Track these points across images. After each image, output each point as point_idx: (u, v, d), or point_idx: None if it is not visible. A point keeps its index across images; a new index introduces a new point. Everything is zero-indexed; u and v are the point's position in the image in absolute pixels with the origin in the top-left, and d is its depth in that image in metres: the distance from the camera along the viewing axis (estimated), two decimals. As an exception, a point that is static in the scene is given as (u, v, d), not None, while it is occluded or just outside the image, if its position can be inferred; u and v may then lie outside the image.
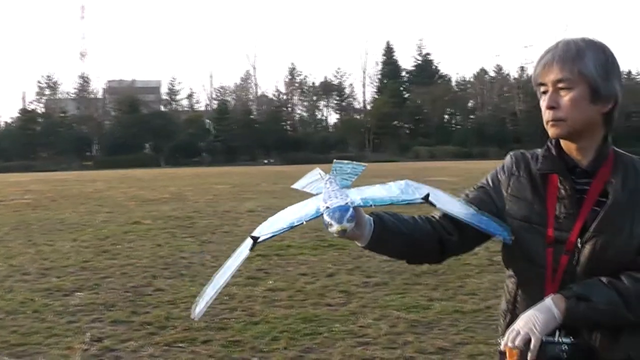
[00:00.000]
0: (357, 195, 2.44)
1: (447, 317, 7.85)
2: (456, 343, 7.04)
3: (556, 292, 2.55)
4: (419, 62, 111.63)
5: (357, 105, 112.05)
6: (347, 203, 2.34)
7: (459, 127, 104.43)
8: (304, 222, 2.42)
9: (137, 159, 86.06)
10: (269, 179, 37.56)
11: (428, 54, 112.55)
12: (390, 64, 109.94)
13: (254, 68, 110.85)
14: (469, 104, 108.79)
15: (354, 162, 2.80)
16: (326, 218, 2.31)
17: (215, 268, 9.31)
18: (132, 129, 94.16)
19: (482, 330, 7.41)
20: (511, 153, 2.83)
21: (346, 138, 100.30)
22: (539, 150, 2.75)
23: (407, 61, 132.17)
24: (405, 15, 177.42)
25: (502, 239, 2.63)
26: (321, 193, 2.53)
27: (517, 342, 2.45)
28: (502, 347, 2.53)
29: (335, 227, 2.29)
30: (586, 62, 2.51)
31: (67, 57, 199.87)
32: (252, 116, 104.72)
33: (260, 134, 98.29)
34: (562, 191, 2.61)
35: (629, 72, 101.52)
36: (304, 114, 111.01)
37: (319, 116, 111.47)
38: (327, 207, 2.33)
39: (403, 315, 7.90)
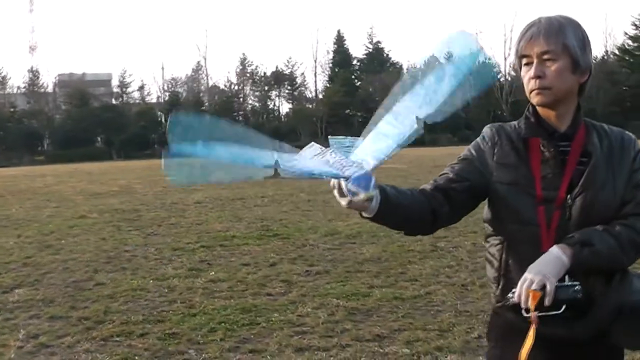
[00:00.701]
0: (368, 157, 2.50)
1: (387, 304, 7.84)
2: (394, 330, 7.03)
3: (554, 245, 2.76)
4: (370, 50, 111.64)
5: (309, 94, 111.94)
6: (367, 172, 2.41)
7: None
8: (324, 178, 2.45)
9: (89, 153, 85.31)
10: (219, 170, 37.42)
11: (379, 42, 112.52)
12: (341, 53, 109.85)
13: (205, 59, 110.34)
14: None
15: (350, 137, 2.82)
16: (352, 187, 2.38)
17: (158, 260, 9.22)
18: (83, 123, 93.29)
19: (420, 316, 7.41)
20: (489, 125, 3.06)
21: (298, 127, 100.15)
22: (514, 122, 2.99)
23: (358, 49, 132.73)
24: (356, 3, 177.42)
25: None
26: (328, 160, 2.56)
27: (534, 287, 2.63)
28: (516, 298, 2.69)
29: (362, 195, 2.38)
30: (568, 36, 2.77)
31: (16, 51, 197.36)
32: (204, 107, 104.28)
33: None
34: (546, 153, 2.84)
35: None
36: (256, 104, 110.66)
37: (271, 106, 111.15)
38: (348, 177, 2.39)
39: (342, 304, 7.88)
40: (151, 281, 9.24)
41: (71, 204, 20.87)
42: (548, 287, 2.63)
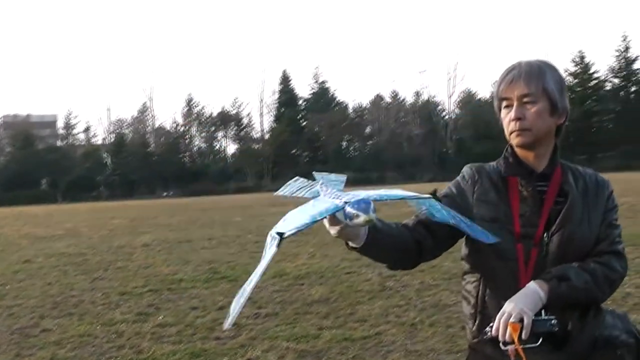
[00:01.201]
0: (363, 194, 2.50)
1: (336, 345, 7.81)
2: (344, 371, 7.03)
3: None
4: (316, 89, 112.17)
5: (256, 134, 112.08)
6: (366, 196, 2.44)
7: (357, 153, 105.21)
8: (326, 217, 2.50)
9: (34, 195, 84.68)
10: (166, 211, 37.30)
11: (324, 81, 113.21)
12: (287, 93, 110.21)
13: (151, 100, 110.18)
14: (367, 130, 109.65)
15: (334, 173, 2.97)
16: (351, 210, 2.39)
17: (105, 305, 9.16)
18: (27, 165, 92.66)
19: (370, 357, 7.39)
20: (468, 165, 3.17)
21: (245, 168, 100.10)
22: (492, 163, 3.11)
23: (303, 89, 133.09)
24: (301, 43, 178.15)
25: (488, 242, 2.85)
26: (320, 195, 2.66)
27: (512, 320, 2.72)
28: (493, 332, 2.78)
29: (362, 218, 2.38)
30: (548, 79, 2.90)
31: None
32: (149, 149, 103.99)
33: (158, 166, 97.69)
34: (524, 192, 2.96)
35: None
36: (203, 145, 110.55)
37: (218, 147, 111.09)
38: (347, 202, 2.42)
39: (292, 346, 7.83)
40: (99, 326, 9.13)
41: (16, 248, 20.63)
42: (526, 320, 2.72)
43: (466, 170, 3.15)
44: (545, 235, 2.91)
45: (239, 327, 8.74)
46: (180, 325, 9.04)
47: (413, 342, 7.71)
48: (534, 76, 2.88)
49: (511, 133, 2.94)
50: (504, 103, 2.95)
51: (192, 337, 8.47)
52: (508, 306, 2.78)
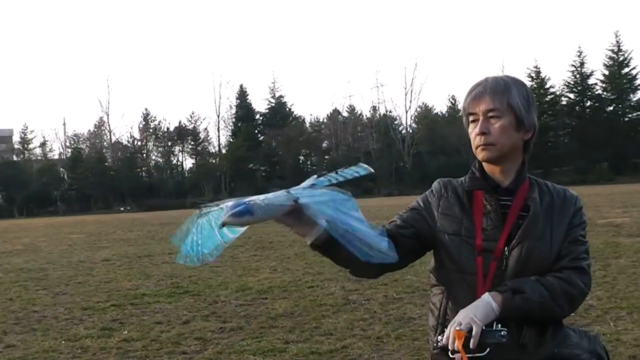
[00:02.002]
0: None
1: (304, 359, 7.81)
2: (312, 385, 7.05)
3: None
4: (273, 104, 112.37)
5: (213, 149, 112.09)
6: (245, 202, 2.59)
7: (314, 167, 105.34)
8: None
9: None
10: (124, 226, 37.09)
11: (282, 96, 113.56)
12: (244, 107, 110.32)
13: (107, 114, 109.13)
14: (324, 145, 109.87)
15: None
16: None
17: (69, 320, 9.07)
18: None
19: (338, 370, 7.43)
20: (438, 180, 3.24)
21: (202, 182, 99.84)
22: (461, 178, 3.17)
23: (260, 104, 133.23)
24: (258, 58, 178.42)
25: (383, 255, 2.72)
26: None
27: (459, 328, 2.75)
28: (444, 340, 2.82)
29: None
30: (513, 95, 2.94)
31: None
32: (106, 163, 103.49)
33: (115, 181, 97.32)
34: (488, 206, 3.02)
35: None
36: (160, 159, 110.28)
37: (175, 161, 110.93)
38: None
39: (259, 360, 7.87)
40: (63, 342, 9.06)
41: (-27, 264, 20.38)
42: (475, 329, 2.75)
43: (435, 184, 3.22)
44: (505, 249, 2.95)
45: (204, 342, 8.73)
46: (146, 339, 9.00)
47: (380, 356, 7.74)
48: (498, 92, 2.93)
49: (477, 147, 2.99)
50: (471, 118, 3.01)
51: (158, 351, 8.43)
52: (459, 315, 2.84)
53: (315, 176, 2.90)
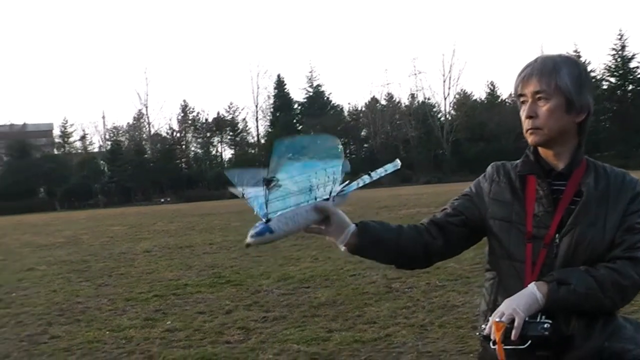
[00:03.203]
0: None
1: (347, 347, 7.80)
2: (357, 373, 7.02)
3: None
4: (310, 93, 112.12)
5: (251, 139, 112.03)
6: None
7: (353, 156, 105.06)
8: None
9: (32, 204, 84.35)
10: (164, 218, 37.22)
11: (319, 85, 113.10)
12: (281, 97, 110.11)
13: (146, 107, 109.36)
14: (362, 133, 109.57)
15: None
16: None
17: (112, 311, 9.08)
18: (24, 174, 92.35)
19: (382, 358, 7.38)
20: (492, 163, 3.14)
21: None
22: (516, 161, 3.05)
23: (298, 93, 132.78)
24: (296, 47, 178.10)
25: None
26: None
27: (502, 319, 2.68)
28: (486, 330, 2.75)
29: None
30: (562, 76, 2.80)
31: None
32: (145, 155, 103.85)
33: (154, 173, 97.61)
34: (540, 192, 2.89)
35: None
36: (199, 151, 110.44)
37: (214, 152, 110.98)
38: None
39: (303, 349, 7.83)
40: (107, 332, 9.11)
41: (18, 257, 20.56)
42: (516, 321, 2.66)
43: (488, 169, 3.12)
44: (556, 236, 2.82)
45: (247, 331, 8.74)
46: (189, 329, 9.03)
47: (424, 344, 7.70)
48: (546, 72, 2.80)
49: (526, 131, 2.88)
50: (521, 99, 2.90)
51: (201, 341, 8.46)
52: (503, 305, 2.75)
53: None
